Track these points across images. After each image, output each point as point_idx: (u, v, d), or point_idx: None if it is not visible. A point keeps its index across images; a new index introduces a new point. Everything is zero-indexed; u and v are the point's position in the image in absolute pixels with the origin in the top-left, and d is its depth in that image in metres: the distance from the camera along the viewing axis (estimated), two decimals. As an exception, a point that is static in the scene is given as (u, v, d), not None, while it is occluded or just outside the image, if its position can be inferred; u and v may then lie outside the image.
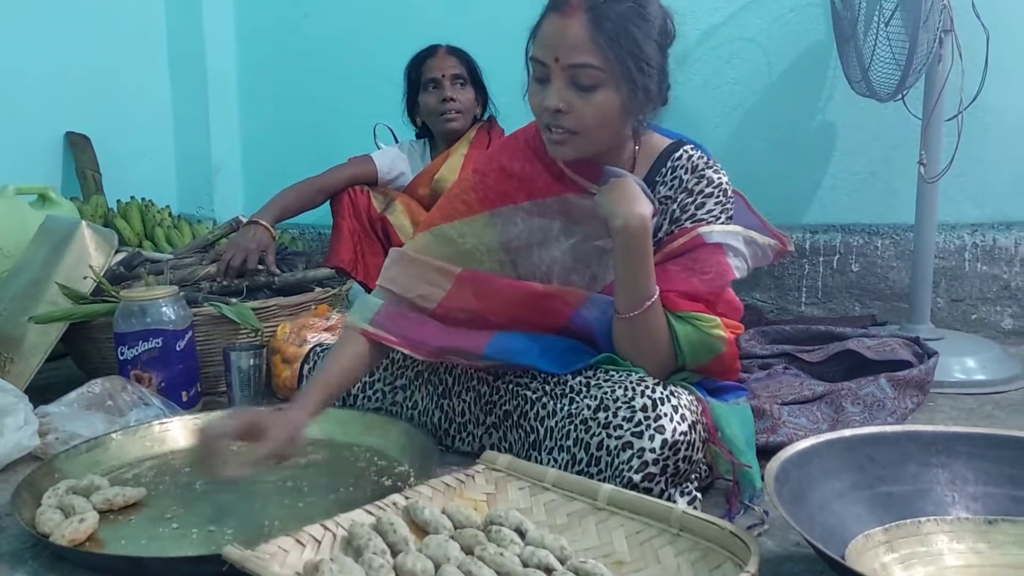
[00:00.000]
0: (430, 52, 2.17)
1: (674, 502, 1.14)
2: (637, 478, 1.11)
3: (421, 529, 1.03)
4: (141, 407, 1.53)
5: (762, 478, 1.06)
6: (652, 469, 1.11)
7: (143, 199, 2.50)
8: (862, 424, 1.46)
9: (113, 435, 1.38)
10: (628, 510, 1.03)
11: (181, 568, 1.03)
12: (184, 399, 1.62)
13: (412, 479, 1.28)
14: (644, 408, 1.14)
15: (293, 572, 0.91)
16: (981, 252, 2.15)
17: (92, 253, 1.72)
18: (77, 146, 2.57)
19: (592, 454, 1.16)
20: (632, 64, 1.16)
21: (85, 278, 1.69)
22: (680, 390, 1.20)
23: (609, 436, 1.15)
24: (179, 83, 2.93)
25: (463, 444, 1.41)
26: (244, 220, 1.99)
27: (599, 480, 1.14)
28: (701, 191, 1.28)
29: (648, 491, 1.11)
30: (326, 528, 1.00)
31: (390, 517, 1.01)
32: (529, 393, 1.31)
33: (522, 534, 1.01)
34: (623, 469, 1.12)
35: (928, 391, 1.63)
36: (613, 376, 1.23)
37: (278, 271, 1.92)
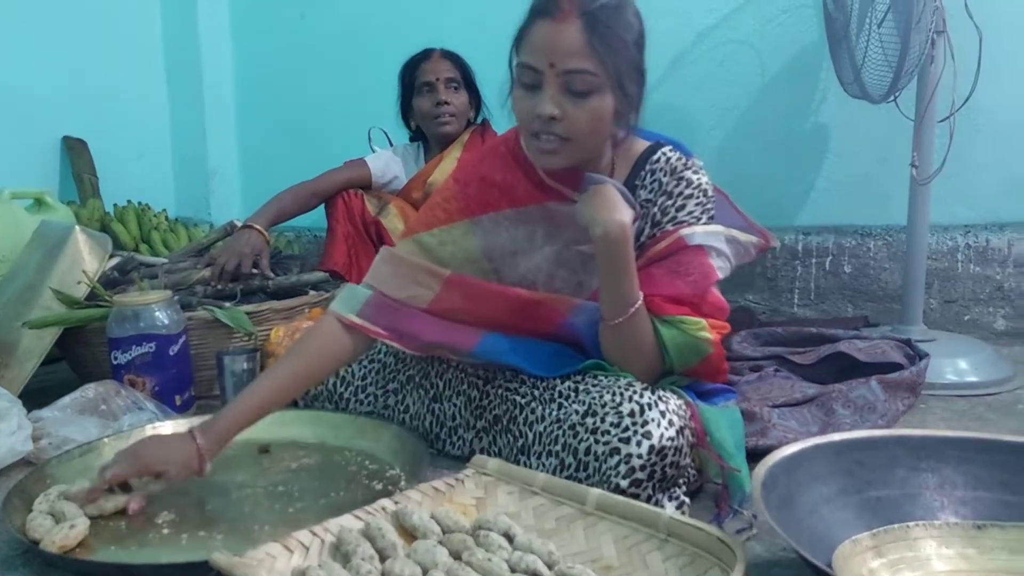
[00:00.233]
0: (424, 56, 2.18)
1: (662, 507, 1.14)
2: (624, 484, 1.11)
3: (410, 534, 1.03)
4: (135, 411, 1.53)
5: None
6: (639, 475, 1.11)
7: (140, 203, 2.51)
8: (852, 427, 1.46)
9: (105, 440, 1.38)
10: (616, 515, 1.03)
11: (170, 575, 1.03)
12: (178, 403, 1.62)
13: (403, 483, 1.28)
14: (632, 413, 1.14)
15: (280, 579, 0.91)
16: (974, 253, 2.16)
17: (86, 258, 1.73)
18: (74, 150, 2.58)
19: (580, 459, 1.17)
20: (623, 68, 1.17)
21: (79, 283, 1.70)
22: (668, 394, 1.20)
23: (597, 441, 1.15)
24: (175, 87, 2.93)
25: (454, 448, 1.42)
26: (239, 224, 2.00)
27: (587, 485, 1.14)
28: (680, 193, 1.28)
29: (635, 496, 1.11)
30: (314, 534, 1.00)
31: (379, 522, 1.01)
32: (518, 398, 1.31)
33: (510, 539, 1.01)
34: (611, 475, 1.12)
35: (920, 393, 1.63)
36: (601, 381, 1.24)
37: (272, 275, 1.92)
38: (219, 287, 1.86)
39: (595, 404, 1.18)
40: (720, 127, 2.38)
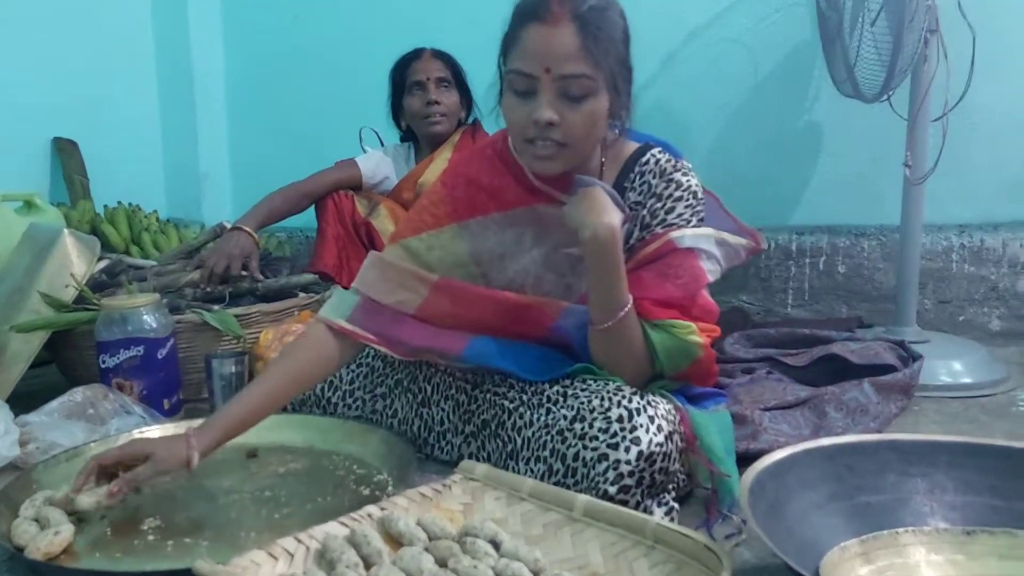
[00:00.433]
0: (415, 55, 2.17)
1: (651, 513, 1.14)
2: (612, 490, 1.10)
3: (396, 541, 1.02)
4: (123, 415, 1.52)
5: (743, 487, 1.06)
6: (627, 481, 1.10)
7: (130, 204, 2.50)
8: (844, 430, 1.45)
9: (92, 445, 1.37)
10: (604, 521, 1.02)
11: (153, 583, 1.03)
12: (166, 407, 1.61)
13: (391, 488, 1.27)
14: (620, 419, 1.13)
15: (264, 587, 0.90)
16: (968, 253, 2.15)
17: (74, 261, 1.71)
18: (65, 151, 2.56)
19: (568, 465, 1.16)
20: (616, 69, 1.16)
21: (67, 286, 1.69)
22: (658, 399, 1.19)
23: (585, 447, 1.14)
24: (166, 87, 2.92)
25: (442, 453, 1.41)
26: (228, 226, 1.99)
27: (576, 491, 1.13)
28: (670, 195, 1.27)
29: (624, 503, 1.10)
30: (299, 541, 0.99)
31: (364, 529, 1.01)
32: (506, 403, 1.30)
33: (497, 546, 1.00)
34: (599, 481, 1.11)
35: (913, 395, 1.62)
36: (590, 386, 1.23)
37: (261, 277, 1.92)
38: (208, 289, 1.85)
39: (583, 409, 1.17)
40: (712, 126, 2.37)
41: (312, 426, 1.48)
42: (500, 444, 1.31)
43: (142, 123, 2.88)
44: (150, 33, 2.89)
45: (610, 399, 1.16)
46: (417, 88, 2.14)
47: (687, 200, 1.27)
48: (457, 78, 2.17)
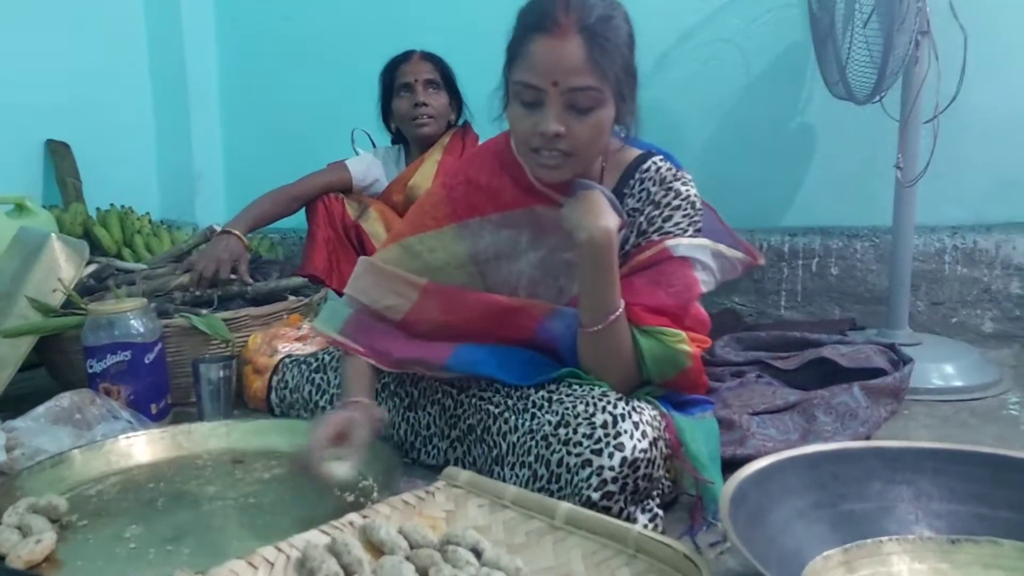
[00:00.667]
0: (404, 57, 2.16)
1: (635, 520, 1.13)
2: (596, 496, 1.10)
3: (377, 549, 1.02)
4: (110, 420, 1.52)
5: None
6: (611, 487, 1.10)
7: (123, 206, 2.49)
8: (834, 434, 1.45)
9: (77, 451, 1.37)
10: (586, 529, 1.02)
11: (133, 592, 1.02)
12: (153, 412, 1.60)
13: (376, 494, 1.26)
14: (604, 424, 1.13)
15: (242, 598, 0.90)
16: (961, 255, 2.14)
17: (62, 265, 1.71)
18: (57, 153, 2.56)
19: (553, 471, 1.15)
20: (623, 78, 1.16)
21: (55, 291, 1.68)
22: (643, 405, 1.19)
23: (569, 453, 1.13)
24: (160, 89, 2.91)
25: (428, 457, 1.40)
26: (218, 229, 1.98)
27: (559, 497, 1.13)
28: (668, 203, 1.27)
29: (607, 509, 1.10)
30: (279, 550, 0.99)
31: (345, 538, 1.00)
32: (492, 407, 1.30)
33: (478, 554, 1.00)
34: (582, 487, 1.11)
35: (903, 399, 1.61)
36: (576, 391, 1.22)
37: (251, 280, 1.91)
38: (197, 293, 1.84)
39: (568, 415, 1.17)
40: (705, 127, 2.37)
41: (299, 431, 1.45)
42: (486, 449, 1.30)
43: (135, 125, 2.87)
44: (143, 34, 2.88)
45: (595, 404, 1.16)
46: (405, 90, 2.14)
47: (685, 209, 1.27)
48: (447, 80, 2.16)
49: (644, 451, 1.12)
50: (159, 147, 2.94)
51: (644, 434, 1.13)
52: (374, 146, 2.37)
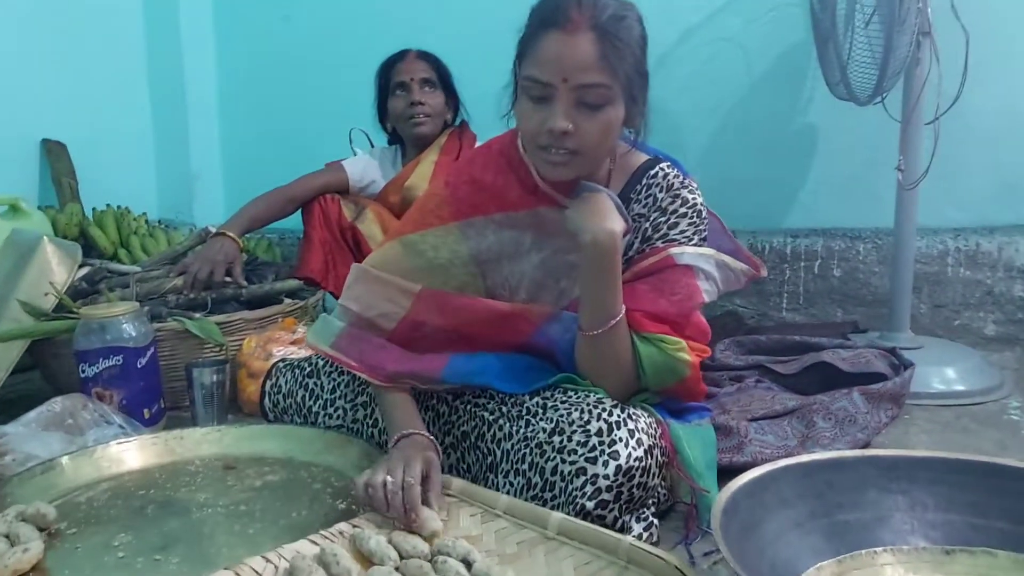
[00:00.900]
0: (399, 56, 2.14)
1: (629, 528, 1.12)
2: (590, 505, 1.08)
3: (367, 559, 1.01)
4: (102, 426, 1.51)
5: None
6: (605, 496, 1.09)
7: (119, 207, 2.48)
8: (832, 440, 1.43)
9: (67, 458, 1.36)
10: (578, 540, 1.01)
11: (118, 603, 1.01)
12: (146, 416, 1.59)
13: (368, 502, 1.25)
14: (599, 432, 1.11)
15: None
16: (964, 257, 2.12)
17: (54, 268, 1.70)
18: (53, 153, 2.55)
19: (547, 479, 1.14)
20: (634, 77, 1.14)
21: (47, 294, 1.67)
22: (639, 412, 1.17)
23: (563, 461, 1.12)
24: (157, 88, 2.91)
25: (423, 464, 1.39)
26: (212, 231, 1.97)
27: (553, 505, 1.12)
28: (675, 211, 1.26)
29: (601, 518, 1.08)
30: (267, 560, 0.98)
31: (334, 548, 0.99)
32: (486, 414, 1.29)
33: (469, 565, 0.99)
34: (576, 495, 1.10)
35: (903, 404, 1.60)
36: (571, 397, 1.21)
37: (245, 283, 1.90)
38: (192, 296, 1.83)
39: (563, 422, 1.15)
40: (705, 128, 2.35)
41: (292, 436, 1.45)
42: (480, 456, 1.29)
43: (133, 124, 2.86)
44: (141, 34, 2.87)
45: (590, 412, 1.15)
46: (401, 89, 2.12)
47: (691, 218, 1.26)
48: (443, 79, 2.14)
49: (639, 459, 1.11)
50: (157, 147, 2.94)
51: (639, 442, 1.12)
52: (372, 146, 2.35)
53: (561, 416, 1.16)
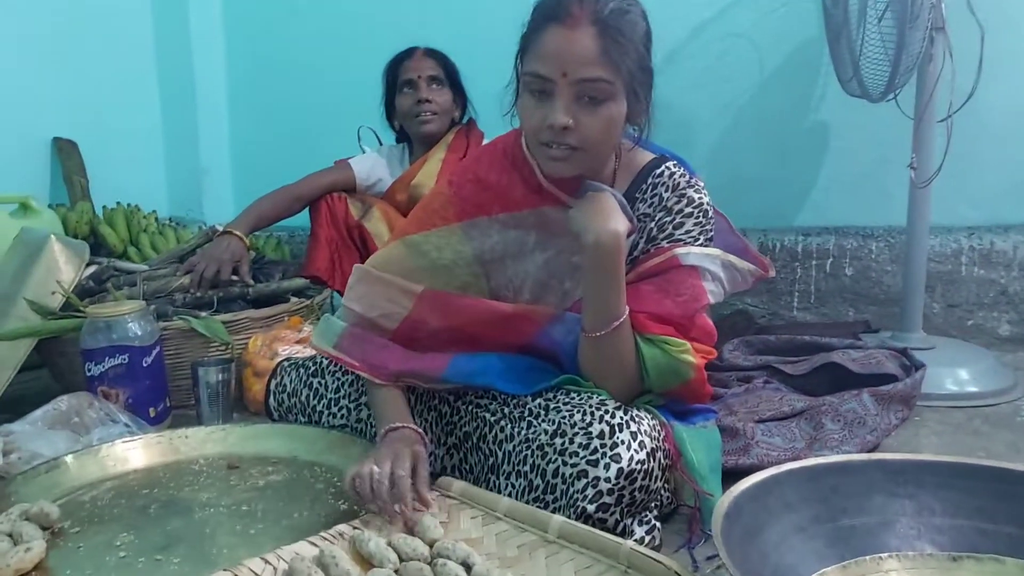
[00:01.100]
0: (407, 54, 2.13)
1: (631, 532, 1.11)
2: (591, 508, 1.07)
3: (367, 561, 1.01)
4: (108, 424, 1.51)
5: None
6: (607, 499, 1.07)
7: (129, 204, 2.49)
8: (841, 442, 1.42)
9: (72, 456, 1.36)
10: (578, 543, 1.01)
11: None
12: (152, 415, 1.60)
13: (370, 502, 1.25)
14: (601, 435, 1.10)
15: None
16: (978, 256, 2.09)
17: (62, 267, 1.71)
18: (64, 151, 2.56)
19: (548, 481, 1.13)
20: (636, 73, 1.13)
21: (54, 293, 1.68)
22: (642, 415, 1.16)
23: (565, 463, 1.11)
24: (167, 86, 2.91)
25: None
26: (219, 229, 1.97)
27: (554, 509, 1.12)
28: (680, 210, 1.24)
29: (603, 521, 1.07)
30: (266, 562, 0.98)
31: (333, 550, 0.99)
32: (488, 415, 1.28)
33: (468, 568, 0.98)
34: (577, 498, 1.09)
35: (914, 405, 1.58)
36: (573, 399, 1.19)
37: (252, 282, 1.90)
38: (198, 294, 1.83)
39: (565, 424, 1.14)
40: (716, 124, 2.33)
41: (296, 436, 1.45)
42: (482, 457, 1.28)
43: (143, 122, 2.86)
44: (151, 32, 2.87)
45: (592, 414, 1.13)
46: (408, 87, 2.11)
47: (697, 217, 1.24)
48: (450, 77, 2.13)
49: (641, 462, 1.09)
50: (167, 145, 2.94)
51: (642, 445, 1.11)
52: (380, 144, 2.34)
53: (563, 418, 1.15)
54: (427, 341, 1.32)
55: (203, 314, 1.74)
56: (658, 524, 1.14)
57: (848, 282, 2.22)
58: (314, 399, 1.50)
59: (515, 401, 1.26)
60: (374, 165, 2.19)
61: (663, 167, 1.26)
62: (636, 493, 1.10)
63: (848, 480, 1.04)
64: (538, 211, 1.27)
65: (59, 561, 1.10)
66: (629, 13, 1.12)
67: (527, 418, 1.22)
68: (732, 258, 1.26)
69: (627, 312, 1.18)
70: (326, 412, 1.49)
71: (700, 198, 1.24)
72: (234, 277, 1.88)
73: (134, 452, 1.41)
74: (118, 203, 2.47)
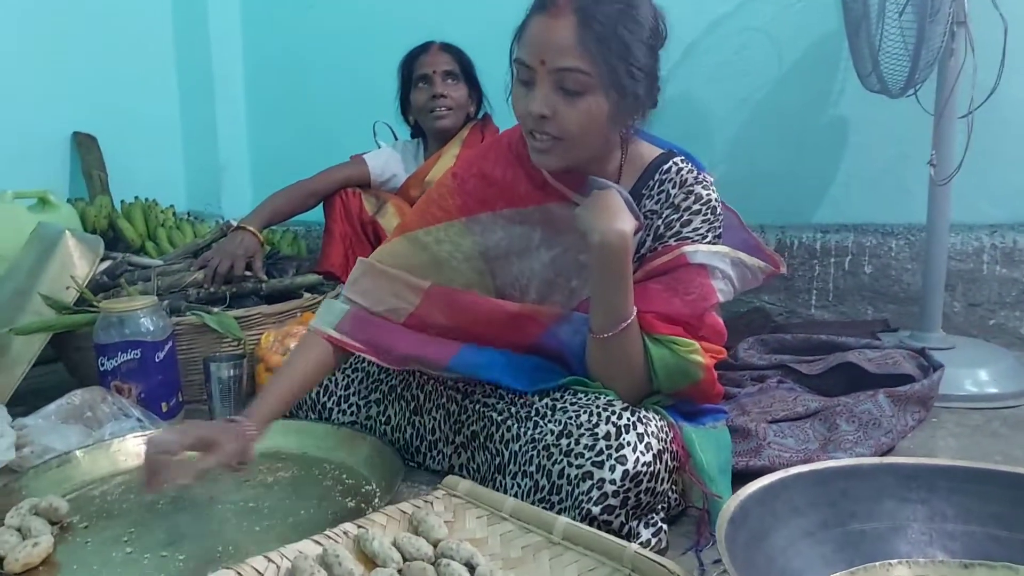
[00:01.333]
0: (423, 48, 2.12)
1: (637, 534, 1.10)
2: (596, 510, 1.06)
3: (371, 560, 1.00)
4: (120, 419, 1.52)
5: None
6: (612, 501, 1.06)
7: (147, 199, 2.50)
8: (855, 444, 1.39)
9: (83, 451, 1.37)
10: (583, 546, 0.99)
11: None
12: (164, 410, 1.61)
13: (377, 500, 1.25)
14: (607, 436, 1.09)
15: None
16: (1000, 254, 2.05)
17: (76, 262, 1.72)
18: (84, 146, 2.58)
19: (554, 482, 1.12)
20: (621, 69, 1.10)
21: (68, 288, 1.69)
22: (650, 415, 1.15)
23: (570, 464, 1.10)
24: (186, 81, 2.93)
25: (434, 462, 1.38)
26: (233, 225, 1.97)
27: (560, 510, 1.11)
28: (688, 207, 1.22)
29: (608, 524, 1.06)
30: (269, 560, 0.98)
31: (336, 549, 0.98)
32: (495, 415, 1.27)
33: (472, 568, 0.98)
34: (582, 500, 1.07)
35: (931, 407, 1.55)
36: (580, 400, 1.18)
37: (265, 277, 1.90)
38: (212, 290, 1.83)
39: (571, 424, 1.13)
40: (734, 119, 2.29)
41: (306, 432, 1.46)
42: (488, 456, 1.28)
43: (162, 117, 2.89)
44: (170, 27, 2.90)
45: (599, 415, 1.12)
46: (423, 81, 2.10)
47: (705, 214, 1.22)
48: (466, 72, 2.12)
49: (647, 464, 1.08)
50: (185, 139, 2.97)
51: (648, 447, 1.09)
52: (396, 139, 2.34)
53: (569, 418, 1.14)
54: (434, 335, 1.32)
55: (216, 309, 1.75)
56: (665, 527, 1.13)
57: (867, 280, 2.19)
58: (324, 396, 1.50)
59: (522, 401, 1.25)
60: (388, 160, 2.19)
61: (670, 163, 1.24)
62: (642, 496, 1.09)
63: (858, 484, 1.02)
64: (543, 208, 1.26)
65: (66, 556, 1.11)
66: (620, 6, 1.10)
67: (534, 418, 1.21)
68: (742, 255, 1.24)
69: (635, 313, 1.17)
70: (336, 409, 1.49)
71: (708, 195, 1.22)
72: (247, 273, 1.88)
73: (145, 447, 1.42)
74: (136, 198, 2.49)
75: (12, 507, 1.18)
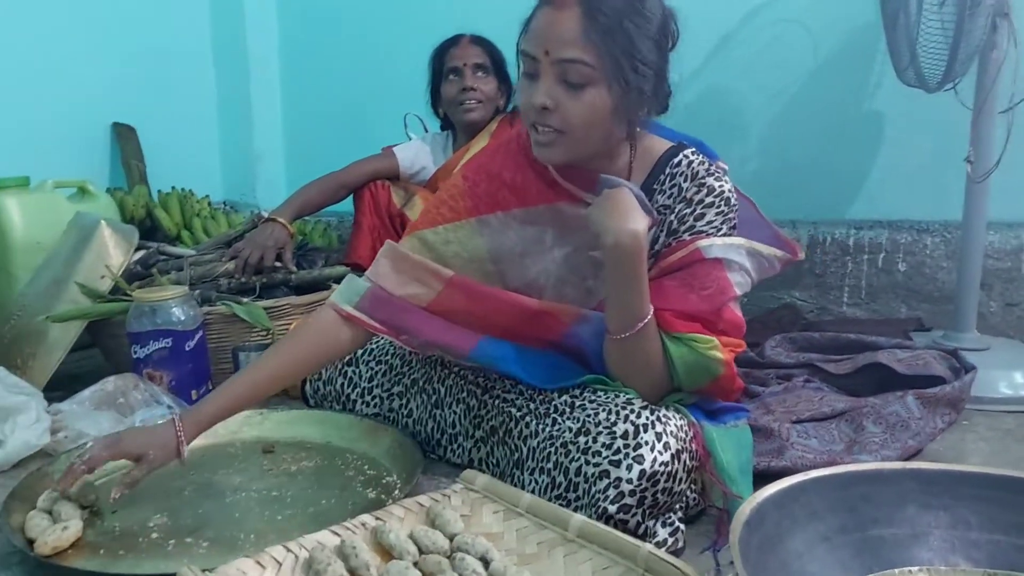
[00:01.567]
0: (453, 41, 2.13)
1: (654, 533, 1.09)
2: (612, 509, 1.06)
3: (387, 552, 1.01)
4: (152, 406, 1.55)
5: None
6: (628, 500, 1.06)
7: (183, 189, 2.54)
8: (882, 446, 1.37)
9: (89, 444, 1.39)
10: (597, 544, 0.99)
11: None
12: (194, 398, 1.64)
13: (397, 492, 1.26)
14: (625, 435, 1.09)
15: (248, 597, 0.90)
16: (1040, 253, 2.00)
17: (111, 251, 1.76)
18: (123, 136, 2.63)
19: (571, 479, 1.12)
20: (625, 63, 1.10)
21: (103, 277, 1.73)
22: (670, 414, 1.14)
23: (588, 462, 1.10)
24: (222, 71, 2.96)
25: (454, 456, 1.39)
26: (265, 216, 2.00)
27: (576, 507, 1.11)
28: (701, 201, 1.20)
29: (624, 523, 1.06)
30: (288, 550, 0.99)
31: (354, 540, 1.00)
32: (514, 410, 1.27)
33: (487, 563, 0.99)
34: (599, 498, 1.08)
35: (962, 409, 1.51)
36: (599, 397, 1.18)
37: (295, 268, 1.92)
38: (242, 280, 1.86)
39: (589, 422, 1.13)
40: (768, 111, 2.26)
41: (330, 422, 1.48)
42: (507, 452, 1.28)
43: (198, 107, 2.93)
44: (207, 19, 2.93)
45: (617, 413, 1.12)
46: (453, 74, 2.10)
47: (719, 207, 1.20)
48: (496, 65, 2.12)
49: (665, 464, 1.08)
50: (221, 130, 3.00)
51: (667, 446, 1.09)
52: (426, 131, 2.35)
53: (588, 416, 1.14)
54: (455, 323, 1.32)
55: (245, 300, 1.77)
56: (682, 526, 1.12)
57: (901, 278, 2.15)
58: (348, 387, 1.51)
59: (541, 397, 1.25)
60: (418, 153, 2.20)
61: (681, 155, 1.23)
62: (659, 495, 1.08)
63: (879, 489, 1.00)
64: (553, 207, 1.25)
65: (95, 540, 1.14)
66: (630, 1, 1.10)
67: (552, 415, 1.21)
68: (757, 245, 1.23)
69: (651, 312, 1.16)
70: (359, 400, 1.51)
71: (721, 186, 1.21)
72: (277, 264, 1.91)
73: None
74: (173, 187, 2.53)
75: (45, 491, 1.22)
